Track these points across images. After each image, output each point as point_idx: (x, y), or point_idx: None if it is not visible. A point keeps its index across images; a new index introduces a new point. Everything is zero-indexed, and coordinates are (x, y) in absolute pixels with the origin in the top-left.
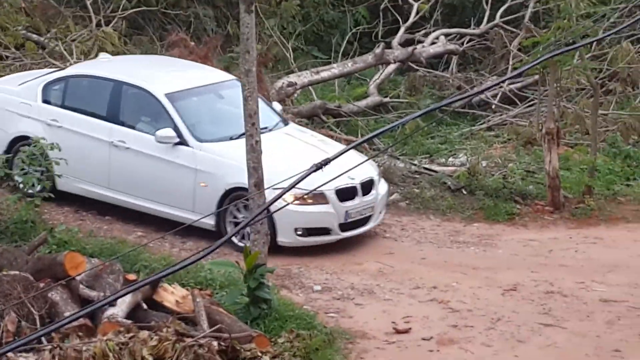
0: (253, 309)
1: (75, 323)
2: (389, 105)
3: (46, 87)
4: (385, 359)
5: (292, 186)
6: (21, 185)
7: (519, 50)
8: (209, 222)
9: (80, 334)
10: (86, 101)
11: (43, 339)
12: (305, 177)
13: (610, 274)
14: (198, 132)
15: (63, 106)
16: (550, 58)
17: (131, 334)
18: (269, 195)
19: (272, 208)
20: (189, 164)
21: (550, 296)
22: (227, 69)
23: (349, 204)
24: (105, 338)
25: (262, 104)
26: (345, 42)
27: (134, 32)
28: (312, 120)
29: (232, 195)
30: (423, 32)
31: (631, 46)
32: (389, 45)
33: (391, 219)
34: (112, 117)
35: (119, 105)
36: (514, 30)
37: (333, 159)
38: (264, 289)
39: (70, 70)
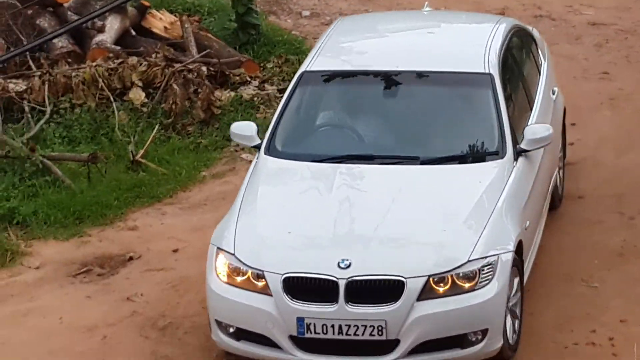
0: (242, 35)
1: (64, 49)
2: None
3: None
4: None
5: None
6: None
7: None
8: None
9: (69, 60)
10: None
11: (32, 64)
12: None
13: None
14: (279, 140)
15: None
16: None
17: (120, 60)
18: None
19: None
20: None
21: (539, 20)
22: None
23: (310, 308)
24: (94, 64)
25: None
26: None
27: None
28: None
29: None
30: None
31: None
32: None
33: None
34: None
35: None
36: None
37: None
38: (252, 14)
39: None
